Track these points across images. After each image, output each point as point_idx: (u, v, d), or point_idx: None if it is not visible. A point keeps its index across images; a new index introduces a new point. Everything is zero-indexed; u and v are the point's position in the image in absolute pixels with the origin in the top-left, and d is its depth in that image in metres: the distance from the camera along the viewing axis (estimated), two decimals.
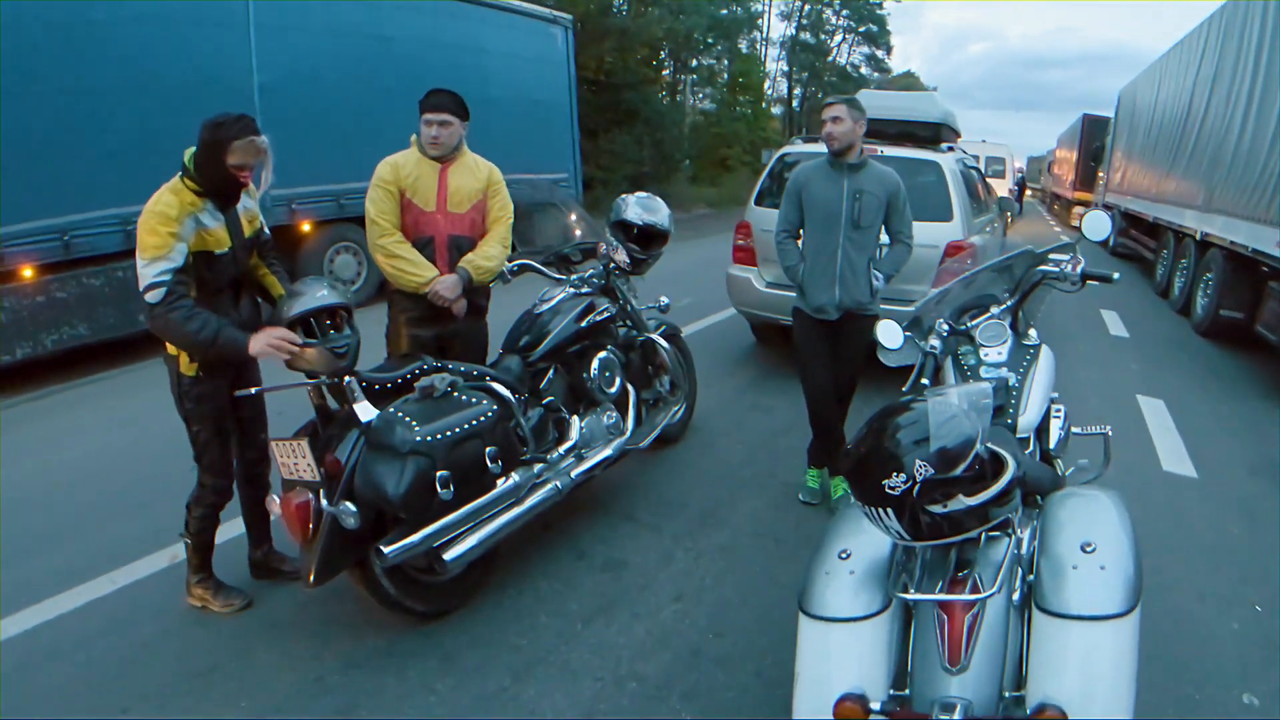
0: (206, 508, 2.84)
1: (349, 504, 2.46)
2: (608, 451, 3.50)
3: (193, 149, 2.54)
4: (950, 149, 5.90)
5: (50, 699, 2.50)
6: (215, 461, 2.81)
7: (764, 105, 32.99)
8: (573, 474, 3.26)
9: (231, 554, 3.13)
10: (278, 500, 2.56)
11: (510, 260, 3.55)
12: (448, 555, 2.66)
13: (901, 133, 5.79)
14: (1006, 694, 1.56)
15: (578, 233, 4.11)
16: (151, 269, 2.44)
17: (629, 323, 4.04)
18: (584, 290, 3.79)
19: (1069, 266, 2.61)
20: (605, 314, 3.78)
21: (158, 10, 6.34)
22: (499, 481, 2.86)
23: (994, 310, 2.65)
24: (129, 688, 2.54)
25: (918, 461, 1.46)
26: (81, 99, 5.84)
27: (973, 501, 1.48)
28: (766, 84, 34.32)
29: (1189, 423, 5.15)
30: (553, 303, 3.62)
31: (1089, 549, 1.54)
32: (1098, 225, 2.61)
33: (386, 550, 2.52)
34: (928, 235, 4.83)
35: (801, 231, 3.66)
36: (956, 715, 1.44)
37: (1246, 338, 7.02)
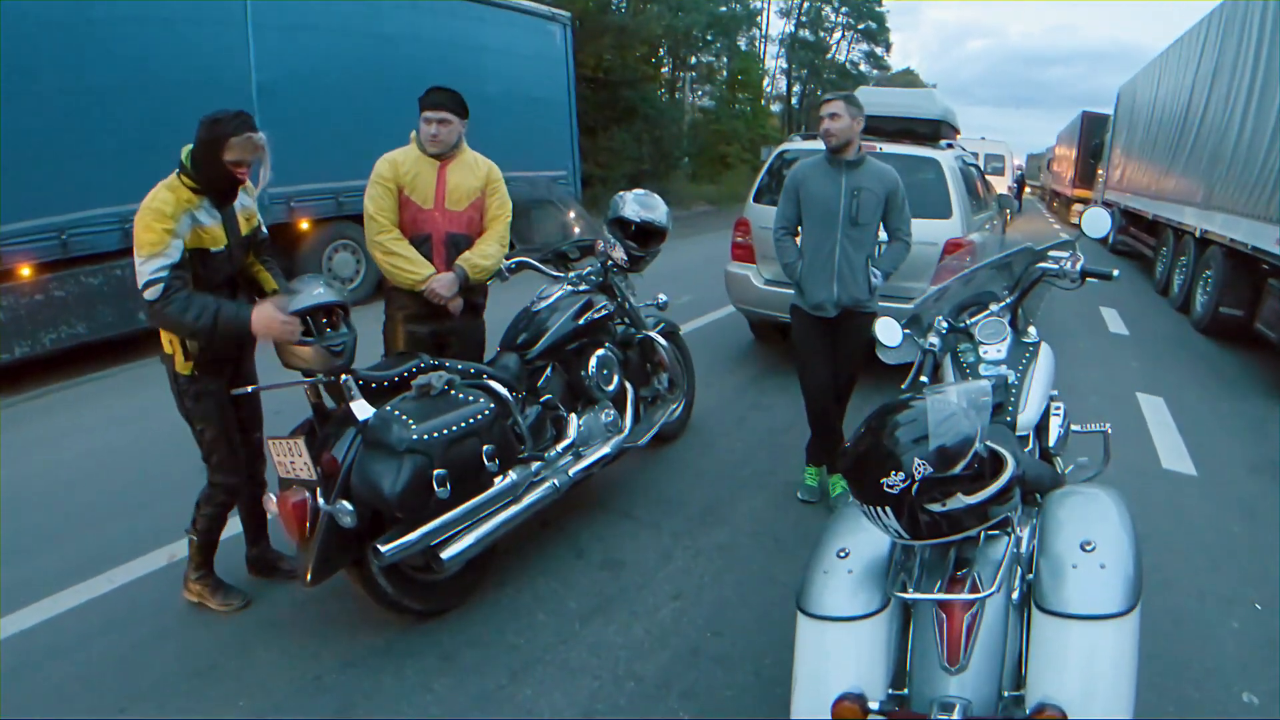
0: (217, 507, 2.83)
1: (346, 502, 2.46)
2: (606, 449, 3.49)
3: (190, 146, 2.54)
4: (949, 146, 5.89)
5: (48, 698, 2.50)
6: (224, 459, 2.80)
7: (763, 102, 32.99)
8: (570, 472, 3.25)
9: (231, 551, 3.12)
10: (274, 499, 2.56)
11: (508, 257, 3.54)
12: (445, 554, 2.65)
13: (901, 130, 5.79)
14: (1005, 694, 1.55)
15: (576, 230, 4.10)
16: (149, 266, 2.44)
17: (627, 320, 4.03)
18: (582, 288, 3.78)
19: (1068, 264, 2.60)
20: (603, 311, 3.77)
21: (156, 9, 6.33)
22: (496, 480, 2.85)
23: (993, 308, 2.64)
24: (127, 687, 2.53)
25: (916, 460, 1.45)
26: (80, 98, 5.82)
27: (972, 500, 1.48)
28: (765, 81, 34.36)
29: (1188, 420, 5.15)
30: (550, 300, 3.62)
31: (1089, 548, 1.53)
32: (1098, 222, 2.60)
33: (383, 549, 2.51)
34: (927, 232, 4.82)
35: (800, 229, 3.65)
36: (955, 715, 1.44)
37: (1246, 335, 7.00)
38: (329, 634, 2.79)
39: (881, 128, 5.59)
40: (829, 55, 38.60)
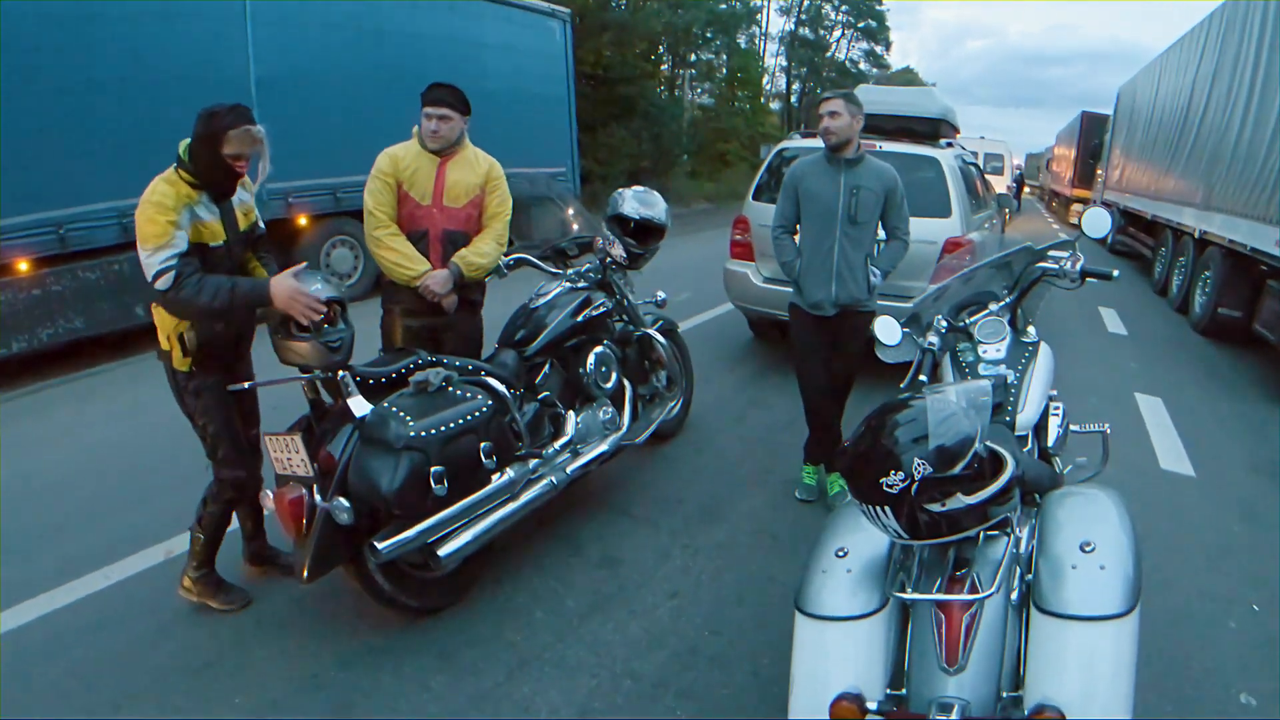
0: (224, 503, 2.81)
1: (343, 499, 2.45)
2: (603, 447, 3.48)
3: (187, 140, 2.53)
4: (949, 145, 5.89)
5: (44, 695, 2.49)
6: (229, 454, 2.77)
7: (762, 100, 33.01)
8: (568, 470, 3.24)
9: (228, 548, 3.10)
10: (271, 495, 2.54)
11: (507, 254, 3.53)
12: (442, 551, 2.64)
13: (900, 128, 5.77)
14: (1004, 694, 1.55)
15: (575, 227, 4.10)
16: (156, 257, 2.43)
17: (625, 317, 4.03)
18: (580, 285, 3.77)
19: (1068, 263, 2.60)
20: (602, 309, 3.77)
21: (154, 4, 6.29)
22: (494, 477, 2.84)
23: (993, 307, 2.64)
24: (124, 684, 2.52)
25: (916, 459, 1.45)
26: (78, 92, 5.80)
27: (971, 500, 1.47)
28: (765, 79, 34.36)
29: (1187, 421, 5.15)
30: (549, 297, 3.61)
31: (1088, 548, 1.53)
32: (1098, 222, 2.60)
33: (381, 546, 2.50)
34: (926, 231, 4.82)
35: (798, 227, 3.64)
36: (954, 715, 1.43)
37: (1245, 336, 7.01)
38: (326, 631, 2.78)
39: (881, 126, 5.57)
40: (829, 53, 38.60)
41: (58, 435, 4.69)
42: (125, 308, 6.13)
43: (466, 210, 3.35)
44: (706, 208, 20.81)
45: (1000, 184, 19.07)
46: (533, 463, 3.07)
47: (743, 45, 30.79)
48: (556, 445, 3.28)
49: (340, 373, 2.57)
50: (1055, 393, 2.60)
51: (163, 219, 2.43)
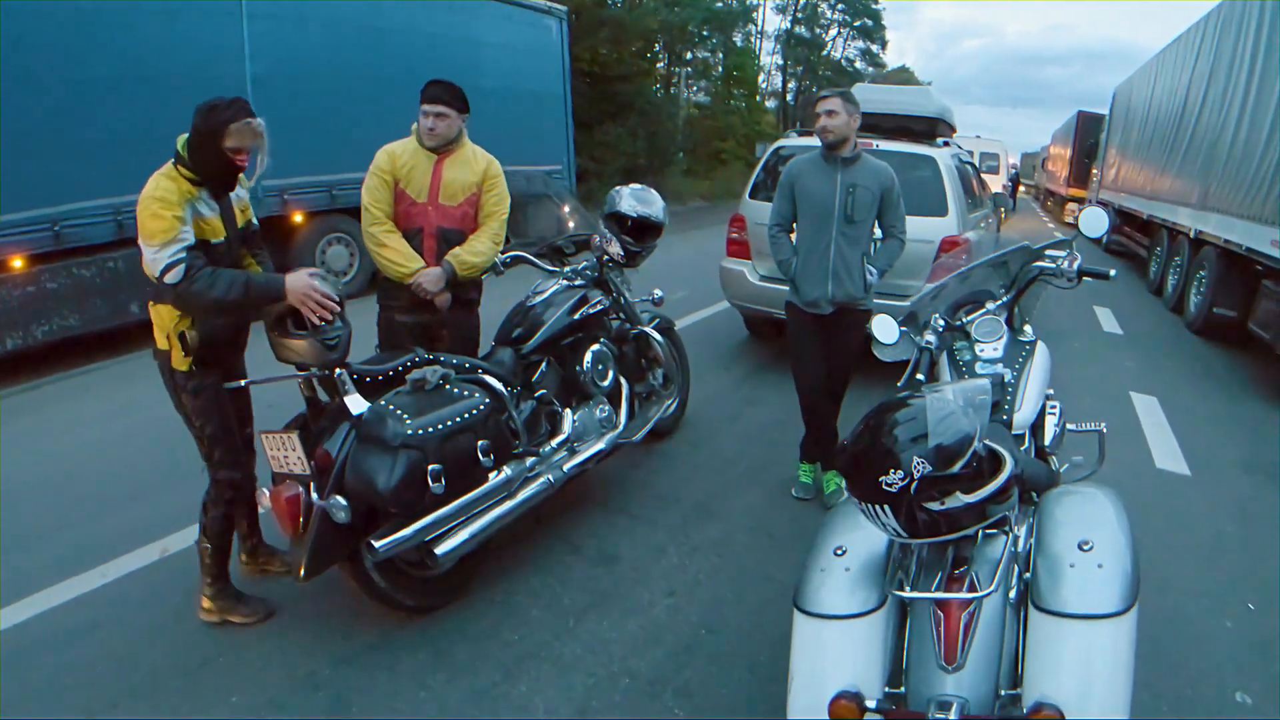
0: (225, 505, 2.76)
1: (339, 498, 2.44)
2: (600, 445, 3.48)
3: (185, 136, 2.50)
4: (946, 144, 5.90)
5: (40, 694, 2.48)
6: (226, 455, 2.73)
7: (758, 99, 32.98)
8: (565, 467, 3.24)
9: None
10: (267, 494, 2.54)
11: (503, 252, 3.52)
12: (439, 549, 2.63)
13: (897, 127, 5.78)
14: (1002, 692, 1.55)
15: (571, 225, 4.09)
16: (165, 252, 2.39)
17: (622, 315, 4.02)
18: (577, 283, 3.77)
19: (1065, 263, 2.60)
20: (598, 307, 3.76)
21: (150, 2, 6.26)
22: (491, 475, 2.83)
23: (990, 306, 2.65)
24: (120, 682, 2.52)
25: (915, 458, 1.45)
26: (73, 89, 5.77)
27: (970, 499, 1.47)
28: (761, 78, 34.32)
29: (1182, 420, 5.16)
30: (546, 295, 3.60)
31: (1086, 547, 1.53)
32: (1095, 221, 2.60)
33: (377, 544, 2.49)
34: (923, 230, 4.83)
35: (795, 225, 3.64)
36: (952, 714, 1.43)
37: (1239, 336, 7.03)
38: (323, 630, 2.78)
39: (878, 125, 5.58)
40: (825, 52, 38.59)
41: (53, 433, 4.67)
42: (120, 305, 6.11)
43: (462, 208, 3.34)
44: (702, 206, 20.81)
45: (996, 183, 19.11)
46: (530, 461, 3.06)
47: (739, 43, 30.81)
48: (553, 443, 3.27)
49: (337, 370, 2.57)
50: (1052, 391, 2.60)
51: (168, 214, 2.40)
